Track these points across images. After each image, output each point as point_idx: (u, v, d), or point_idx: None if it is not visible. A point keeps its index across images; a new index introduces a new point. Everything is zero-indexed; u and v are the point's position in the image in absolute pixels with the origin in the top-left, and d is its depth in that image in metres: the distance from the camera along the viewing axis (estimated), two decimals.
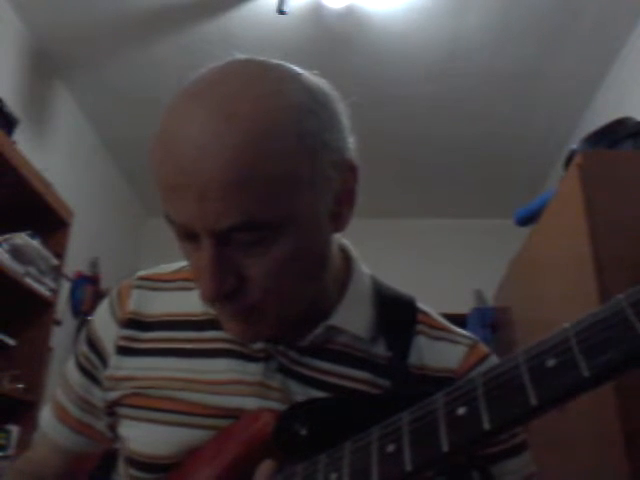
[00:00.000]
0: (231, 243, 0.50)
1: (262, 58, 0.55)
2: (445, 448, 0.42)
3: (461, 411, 0.42)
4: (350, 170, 0.57)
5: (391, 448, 0.44)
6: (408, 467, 0.43)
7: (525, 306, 2.18)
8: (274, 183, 0.49)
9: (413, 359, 0.62)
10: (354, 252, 0.68)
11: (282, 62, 0.56)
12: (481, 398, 0.42)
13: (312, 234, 0.54)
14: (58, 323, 2.80)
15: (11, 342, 2.39)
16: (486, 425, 0.41)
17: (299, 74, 0.55)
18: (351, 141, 0.58)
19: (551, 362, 0.39)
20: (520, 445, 0.63)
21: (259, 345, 0.61)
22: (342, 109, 0.57)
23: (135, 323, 0.67)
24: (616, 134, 1.69)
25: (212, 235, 0.50)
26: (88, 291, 3.24)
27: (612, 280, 1.37)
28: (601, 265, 1.40)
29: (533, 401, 0.39)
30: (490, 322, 2.74)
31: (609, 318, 0.38)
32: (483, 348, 0.66)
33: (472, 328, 2.78)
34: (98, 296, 3.20)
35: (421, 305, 0.68)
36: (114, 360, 0.66)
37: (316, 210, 0.54)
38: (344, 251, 0.67)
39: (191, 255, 0.54)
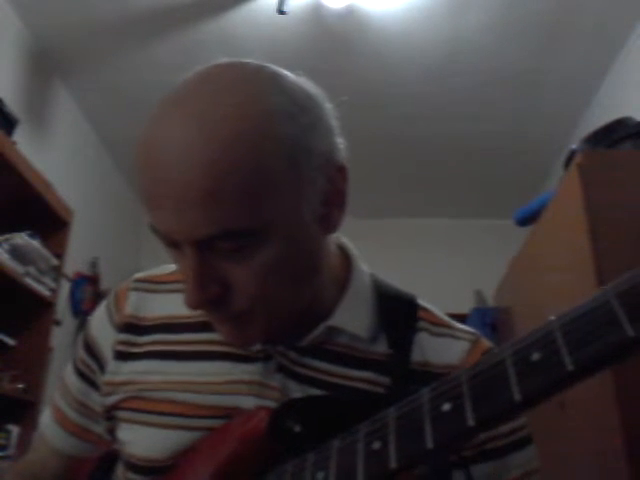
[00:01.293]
0: (213, 251, 0.50)
1: (244, 61, 0.54)
2: (429, 445, 0.41)
3: (446, 407, 0.42)
4: (338, 171, 0.56)
5: (377, 445, 0.44)
6: (393, 464, 0.42)
7: (525, 306, 2.18)
8: (251, 190, 0.48)
9: (416, 356, 0.61)
10: (354, 251, 0.67)
11: (264, 64, 0.54)
12: (466, 394, 0.41)
13: (297, 239, 0.53)
14: (58, 323, 2.80)
15: (11, 342, 2.39)
16: (470, 422, 0.40)
17: (279, 77, 0.53)
18: (339, 142, 0.57)
19: (536, 356, 0.39)
20: (525, 438, 0.61)
21: (258, 346, 0.60)
22: (328, 110, 0.56)
23: (132, 327, 0.66)
24: (616, 134, 1.69)
25: (193, 244, 0.50)
26: (88, 291, 3.24)
27: (612, 280, 1.36)
28: (601, 265, 1.40)
29: (517, 397, 0.38)
30: (490, 322, 2.75)
31: (594, 310, 0.38)
32: (485, 343, 0.65)
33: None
34: (98, 296, 3.21)
35: (422, 302, 0.67)
36: (112, 365, 0.65)
37: (300, 214, 0.53)
38: (343, 250, 0.67)
39: (177, 261, 0.54)
